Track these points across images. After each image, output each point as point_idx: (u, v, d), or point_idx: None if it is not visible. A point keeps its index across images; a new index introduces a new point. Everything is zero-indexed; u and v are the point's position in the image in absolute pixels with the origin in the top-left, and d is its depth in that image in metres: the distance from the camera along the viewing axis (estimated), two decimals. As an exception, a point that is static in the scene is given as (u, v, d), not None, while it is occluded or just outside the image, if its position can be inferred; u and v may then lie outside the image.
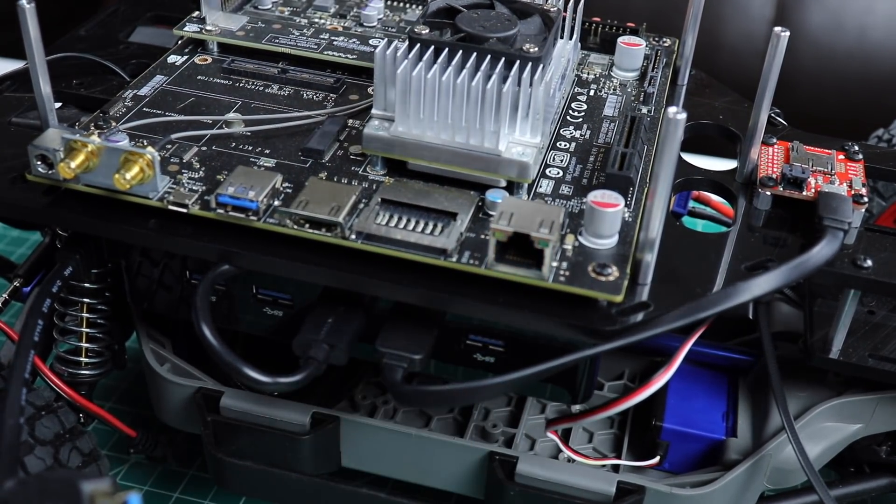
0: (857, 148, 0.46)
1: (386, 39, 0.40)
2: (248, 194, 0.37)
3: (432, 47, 0.40)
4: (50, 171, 0.38)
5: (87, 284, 0.44)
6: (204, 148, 0.42)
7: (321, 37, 0.50)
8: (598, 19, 0.52)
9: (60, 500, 0.29)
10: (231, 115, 0.44)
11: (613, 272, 0.36)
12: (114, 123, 0.43)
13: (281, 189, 0.39)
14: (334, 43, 0.49)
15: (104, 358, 0.46)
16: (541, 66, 0.40)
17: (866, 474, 0.46)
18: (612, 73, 0.50)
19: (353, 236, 0.37)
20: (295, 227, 0.37)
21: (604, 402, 0.41)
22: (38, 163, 0.38)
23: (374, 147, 0.40)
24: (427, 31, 0.41)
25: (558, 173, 0.42)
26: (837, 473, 0.49)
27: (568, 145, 0.44)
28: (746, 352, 0.47)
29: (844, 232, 0.39)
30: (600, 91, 0.48)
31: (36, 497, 0.30)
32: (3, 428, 0.35)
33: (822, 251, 0.38)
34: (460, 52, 0.40)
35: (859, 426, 0.44)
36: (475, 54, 0.40)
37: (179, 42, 0.50)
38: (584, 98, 0.48)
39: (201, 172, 0.40)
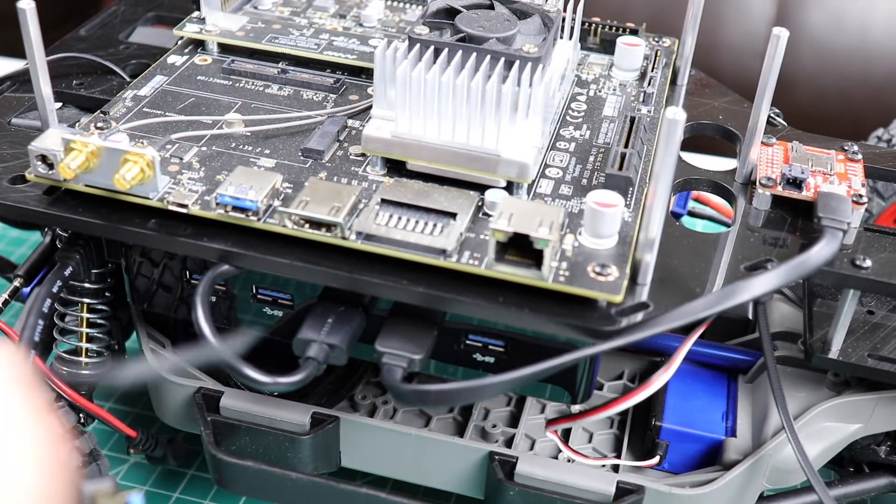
0: (856, 148, 0.46)
1: (386, 39, 0.40)
2: (248, 194, 0.37)
3: (432, 47, 0.40)
4: (50, 172, 0.38)
5: (87, 284, 0.44)
6: (204, 148, 0.42)
7: (321, 37, 0.50)
8: (597, 19, 0.52)
9: None
10: (231, 116, 0.44)
11: (613, 272, 0.36)
12: (114, 124, 0.43)
13: (281, 189, 0.39)
14: (334, 43, 0.49)
15: (104, 358, 0.46)
16: (540, 66, 0.40)
17: (866, 474, 0.46)
18: (611, 74, 0.50)
19: (353, 236, 0.37)
20: (295, 227, 0.37)
21: (603, 402, 0.41)
22: (38, 163, 0.38)
23: (373, 147, 0.40)
24: (427, 31, 0.41)
25: (558, 173, 0.42)
26: (837, 473, 0.49)
27: (568, 145, 0.44)
28: (746, 352, 0.47)
29: (844, 232, 0.39)
30: (600, 91, 0.48)
31: None
32: None
33: (821, 251, 0.38)
34: (460, 52, 0.40)
35: (858, 426, 0.44)
36: (475, 54, 0.40)
37: (179, 42, 0.50)
38: (583, 98, 0.48)
39: (201, 172, 0.40)
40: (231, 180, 0.38)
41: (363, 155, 0.42)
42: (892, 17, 1.01)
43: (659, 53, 0.52)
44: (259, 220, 0.38)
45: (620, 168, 0.41)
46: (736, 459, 0.43)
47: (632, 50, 0.49)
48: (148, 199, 0.38)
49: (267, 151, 0.42)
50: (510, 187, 0.40)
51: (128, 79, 0.48)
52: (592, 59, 0.51)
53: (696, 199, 0.54)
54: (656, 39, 0.53)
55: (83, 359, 0.45)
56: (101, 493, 0.28)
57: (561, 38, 0.46)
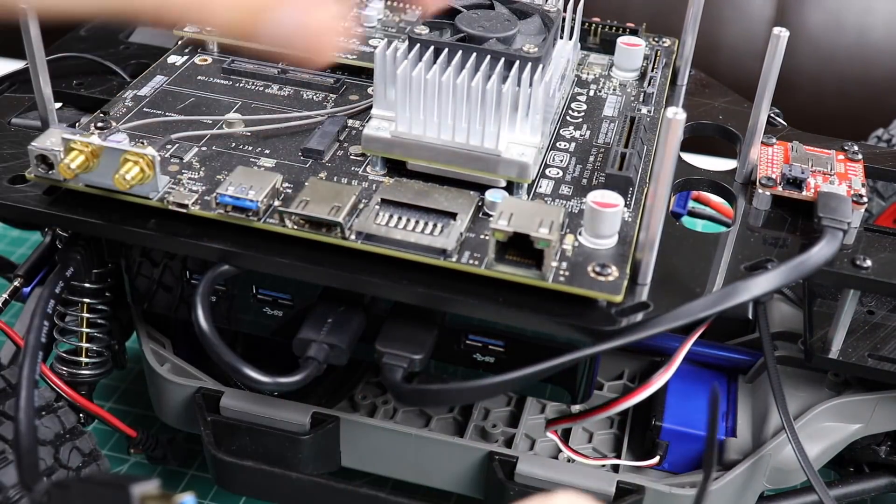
0: (856, 148, 0.46)
1: (386, 39, 0.40)
2: (248, 194, 0.37)
3: (432, 47, 0.40)
4: (50, 172, 0.38)
5: (87, 284, 0.44)
6: (204, 148, 0.42)
7: (321, 37, 0.50)
8: (597, 19, 0.52)
9: None
10: (231, 116, 0.44)
11: (613, 272, 0.36)
12: (114, 123, 0.43)
13: (281, 189, 0.39)
14: (334, 43, 0.49)
15: (104, 358, 0.46)
16: (540, 66, 0.40)
17: (866, 474, 0.46)
18: (611, 74, 0.50)
19: (353, 236, 0.37)
20: (295, 227, 0.37)
21: (603, 402, 0.41)
22: (38, 163, 0.38)
23: (373, 147, 0.40)
24: (427, 31, 0.41)
25: (558, 173, 0.42)
26: (837, 473, 0.49)
27: (568, 145, 0.44)
28: (746, 352, 0.47)
29: (844, 232, 0.39)
30: (600, 91, 0.48)
31: (79, 500, 0.29)
32: (21, 430, 0.35)
33: (821, 251, 0.38)
34: (460, 52, 0.40)
35: (859, 426, 0.44)
36: (475, 54, 0.40)
37: (179, 42, 0.50)
38: (583, 98, 0.48)
39: (201, 172, 0.40)
40: (231, 180, 0.38)
41: (363, 155, 0.42)
42: (891, 17, 1.01)
43: (659, 53, 0.52)
44: (259, 220, 0.38)
45: (620, 168, 0.41)
46: (736, 459, 0.43)
47: (632, 50, 0.49)
48: (148, 199, 0.38)
49: (267, 151, 0.42)
50: (510, 187, 0.40)
51: (128, 79, 0.48)
52: (592, 59, 0.51)
53: (696, 199, 0.54)
54: (656, 39, 0.53)
55: (83, 359, 0.45)
56: (151, 496, 0.27)
57: (561, 38, 0.46)
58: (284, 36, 0.33)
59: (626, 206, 0.40)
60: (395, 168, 0.41)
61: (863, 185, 0.43)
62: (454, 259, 0.36)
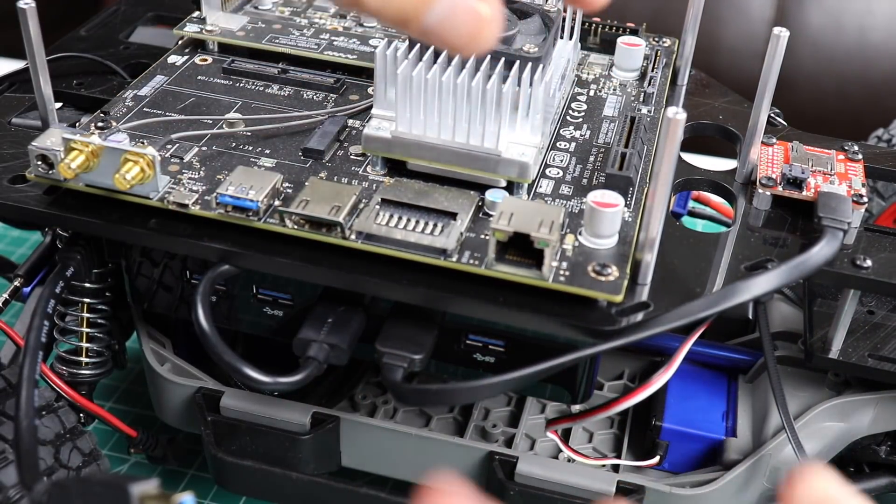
0: (856, 148, 0.46)
1: (386, 39, 0.40)
2: (249, 194, 0.37)
3: (432, 47, 0.40)
4: (50, 171, 0.38)
5: (87, 284, 0.44)
6: (204, 148, 0.42)
7: (321, 37, 0.50)
8: (598, 19, 0.52)
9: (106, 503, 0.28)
10: (231, 115, 0.44)
11: (613, 272, 0.36)
12: (114, 123, 0.43)
13: (281, 189, 0.39)
14: (334, 43, 0.49)
15: (104, 358, 0.46)
16: (541, 66, 0.40)
17: (866, 474, 0.46)
18: (611, 74, 0.50)
19: (354, 236, 0.37)
20: (295, 227, 0.37)
21: (604, 402, 0.41)
22: (39, 163, 0.38)
23: (374, 147, 0.40)
24: (427, 31, 0.41)
25: (558, 173, 0.42)
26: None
27: (568, 145, 0.44)
28: (746, 351, 0.47)
29: (844, 232, 0.39)
30: (600, 91, 0.48)
31: (78, 500, 0.29)
32: (21, 430, 0.35)
33: (821, 251, 0.38)
34: (460, 52, 0.40)
35: (859, 426, 0.44)
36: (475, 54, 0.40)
37: (179, 42, 0.50)
38: (584, 98, 0.48)
39: (201, 172, 0.40)
40: (231, 180, 0.38)
41: (363, 155, 0.42)
42: (891, 17, 1.01)
43: (659, 53, 0.52)
44: (259, 220, 0.38)
45: (620, 168, 0.41)
46: (736, 459, 0.43)
47: (632, 50, 0.49)
48: (148, 199, 0.38)
49: (267, 151, 0.42)
50: (510, 187, 0.40)
51: (128, 79, 0.48)
52: (592, 59, 0.51)
53: (696, 199, 0.54)
54: (656, 39, 0.53)
55: (83, 359, 0.45)
56: (150, 495, 0.27)
57: (561, 37, 0.46)
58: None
59: (626, 206, 0.40)
60: (396, 168, 0.41)
61: (863, 185, 0.43)
62: (454, 259, 0.36)
